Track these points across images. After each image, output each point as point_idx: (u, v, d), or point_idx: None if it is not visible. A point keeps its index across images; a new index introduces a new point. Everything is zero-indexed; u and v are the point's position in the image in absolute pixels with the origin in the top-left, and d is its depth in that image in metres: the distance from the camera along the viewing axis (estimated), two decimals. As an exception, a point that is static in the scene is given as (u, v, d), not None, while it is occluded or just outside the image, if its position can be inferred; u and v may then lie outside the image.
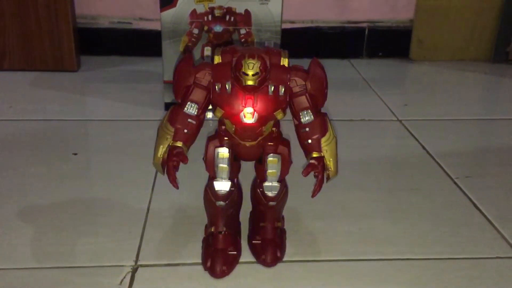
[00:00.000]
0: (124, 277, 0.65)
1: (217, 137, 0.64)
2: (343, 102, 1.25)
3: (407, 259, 0.71)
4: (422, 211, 0.82)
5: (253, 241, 0.70)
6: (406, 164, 0.98)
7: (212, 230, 0.68)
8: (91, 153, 1.00)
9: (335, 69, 1.52)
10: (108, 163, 0.94)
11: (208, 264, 0.66)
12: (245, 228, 0.73)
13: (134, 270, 0.66)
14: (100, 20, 1.51)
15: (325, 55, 1.56)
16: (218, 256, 0.66)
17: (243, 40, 1.11)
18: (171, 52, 1.12)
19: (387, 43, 1.60)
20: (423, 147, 1.03)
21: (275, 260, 0.68)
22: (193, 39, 1.11)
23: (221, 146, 0.63)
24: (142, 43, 1.51)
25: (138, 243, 0.72)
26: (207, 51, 1.11)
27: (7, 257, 0.68)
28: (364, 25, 1.58)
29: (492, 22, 1.56)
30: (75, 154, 0.96)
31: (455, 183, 0.90)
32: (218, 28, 1.10)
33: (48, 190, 0.84)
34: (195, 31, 1.11)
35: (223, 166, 0.63)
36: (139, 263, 0.68)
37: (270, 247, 0.68)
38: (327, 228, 0.76)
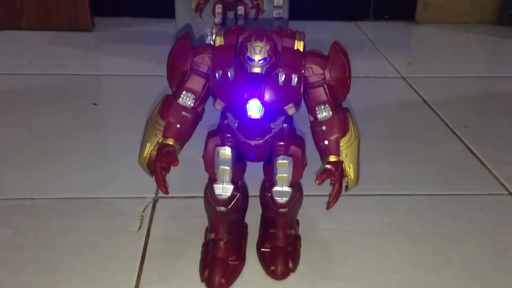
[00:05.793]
0: (146, 206, 0.71)
1: (219, 134, 0.54)
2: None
3: (405, 194, 0.77)
4: (421, 155, 0.87)
5: (262, 249, 0.61)
6: (408, 115, 1.03)
7: (212, 236, 0.59)
8: (109, 104, 1.05)
9: (342, 31, 1.55)
10: (126, 112, 0.99)
11: (206, 274, 0.57)
12: (255, 231, 0.64)
13: (155, 201, 0.73)
14: (113, -18, 1.55)
15: (332, 18, 1.60)
16: (217, 266, 0.57)
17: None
18: (183, 9, 1.16)
19: (393, 5, 1.63)
20: (425, 101, 1.08)
21: (286, 272, 0.59)
22: (205, -4, 1.16)
23: (223, 144, 0.54)
24: (154, 5, 1.54)
25: (157, 180, 0.78)
26: (218, 8, 1.15)
27: (42, 188, 0.75)
28: (371, -13, 1.61)
29: (497, -16, 1.58)
30: (95, 104, 1.02)
31: (453, 132, 0.95)
32: (229, -14, 1.14)
33: (73, 135, 0.90)
34: (207, -12, 1.15)
35: (225, 168, 0.54)
36: (159, 195, 0.74)
37: (280, 257, 0.59)
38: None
